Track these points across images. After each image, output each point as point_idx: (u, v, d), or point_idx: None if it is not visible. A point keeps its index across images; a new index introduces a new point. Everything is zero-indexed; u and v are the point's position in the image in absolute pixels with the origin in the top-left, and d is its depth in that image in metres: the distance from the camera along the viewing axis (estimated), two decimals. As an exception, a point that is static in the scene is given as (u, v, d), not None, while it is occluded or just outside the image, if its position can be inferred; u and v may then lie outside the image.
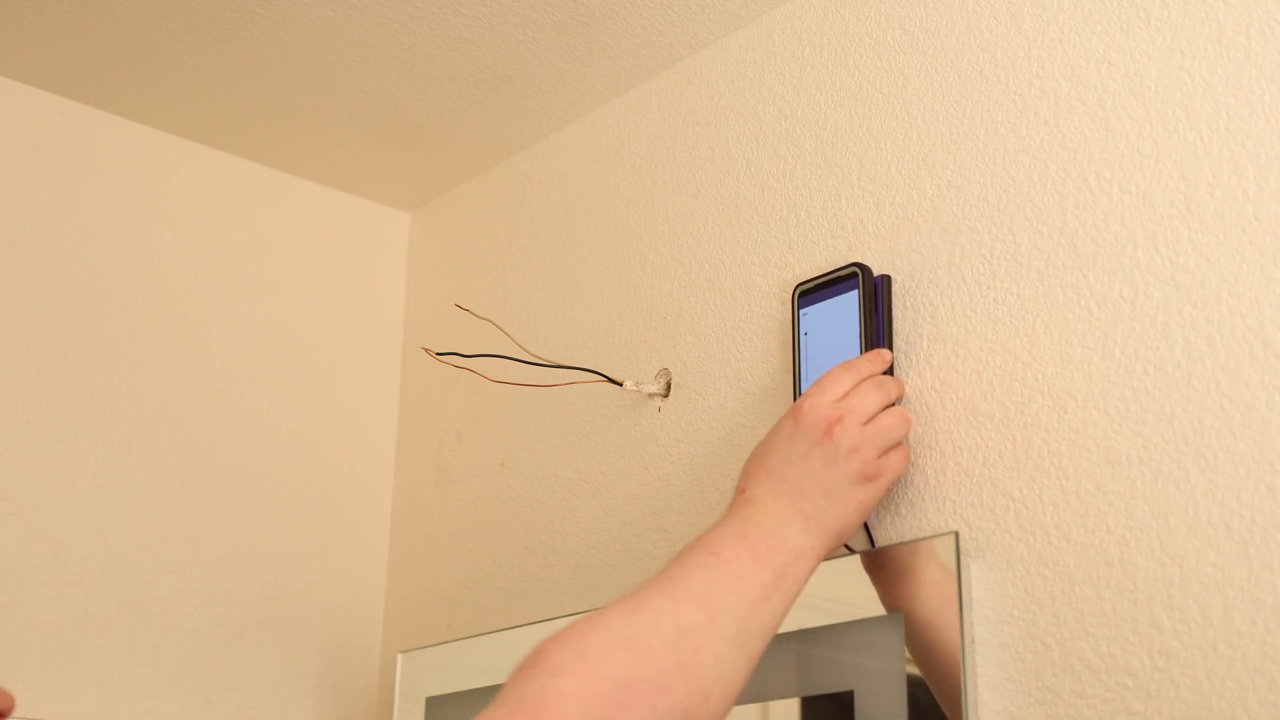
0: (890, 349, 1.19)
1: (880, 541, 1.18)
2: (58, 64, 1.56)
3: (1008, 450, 1.11)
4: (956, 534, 1.12)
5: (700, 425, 1.38)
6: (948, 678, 1.09)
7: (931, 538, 1.13)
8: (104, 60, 1.55)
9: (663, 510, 1.40)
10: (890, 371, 1.18)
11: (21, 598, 1.48)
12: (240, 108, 1.65)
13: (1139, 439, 1.04)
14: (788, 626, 1.16)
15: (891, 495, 1.18)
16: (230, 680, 1.59)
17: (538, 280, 1.64)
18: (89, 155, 1.64)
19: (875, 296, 1.21)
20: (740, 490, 1.08)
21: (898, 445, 1.13)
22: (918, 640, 1.11)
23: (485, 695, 0.92)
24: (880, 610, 1.15)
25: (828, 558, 1.08)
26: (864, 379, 1.13)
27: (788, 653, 1.18)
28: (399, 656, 1.59)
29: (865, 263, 1.25)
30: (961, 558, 1.11)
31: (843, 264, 1.24)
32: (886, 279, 1.22)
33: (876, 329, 1.20)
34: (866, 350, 1.18)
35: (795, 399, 1.22)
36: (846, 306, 1.22)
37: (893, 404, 1.14)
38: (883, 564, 1.16)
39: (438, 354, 1.38)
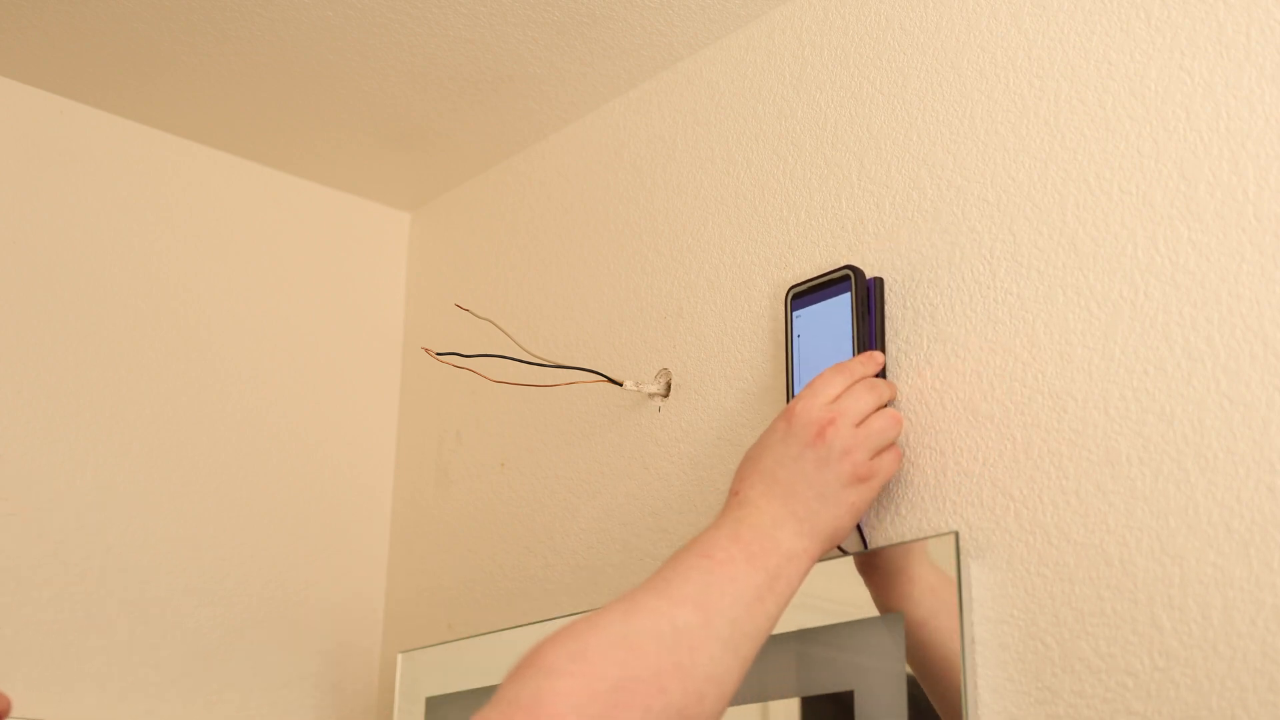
0: (883, 351, 1.20)
1: (880, 541, 1.18)
2: (58, 64, 1.56)
3: (1008, 450, 1.11)
4: (956, 534, 1.12)
5: (700, 425, 1.38)
6: (942, 679, 1.09)
7: (931, 538, 1.13)
8: (104, 60, 1.55)
9: (663, 510, 1.40)
10: (883, 373, 1.18)
11: (21, 598, 1.48)
12: (240, 108, 1.65)
13: (1139, 439, 1.04)
14: (788, 626, 1.16)
15: (891, 495, 1.18)
16: (230, 680, 1.59)
17: (538, 280, 1.64)
18: (89, 155, 1.64)
19: (868, 299, 1.21)
20: (733, 493, 1.09)
21: (890, 447, 1.13)
22: (911, 641, 1.11)
23: (485, 695, 0.93)
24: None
25: (821, 559, 1.08)
26: (856, 381, 1.13)
27: (788, 653, 1.19)
28: (399, 656, 1.59)
29: (866, 263, 1.25)
30: (961, 558, 1.11)
31: (837, 265, 1.24)
32: (879, 281, 1.22)
33: (869, 331, 1.20)
34: (859, 352, 1.18)
35: (788, 401, 1.22)
36: (839, 309, 1.22)
37: (885, 406, 1.14)
38: (876, 565, 1.16)
39: (438, 354, 1.38)
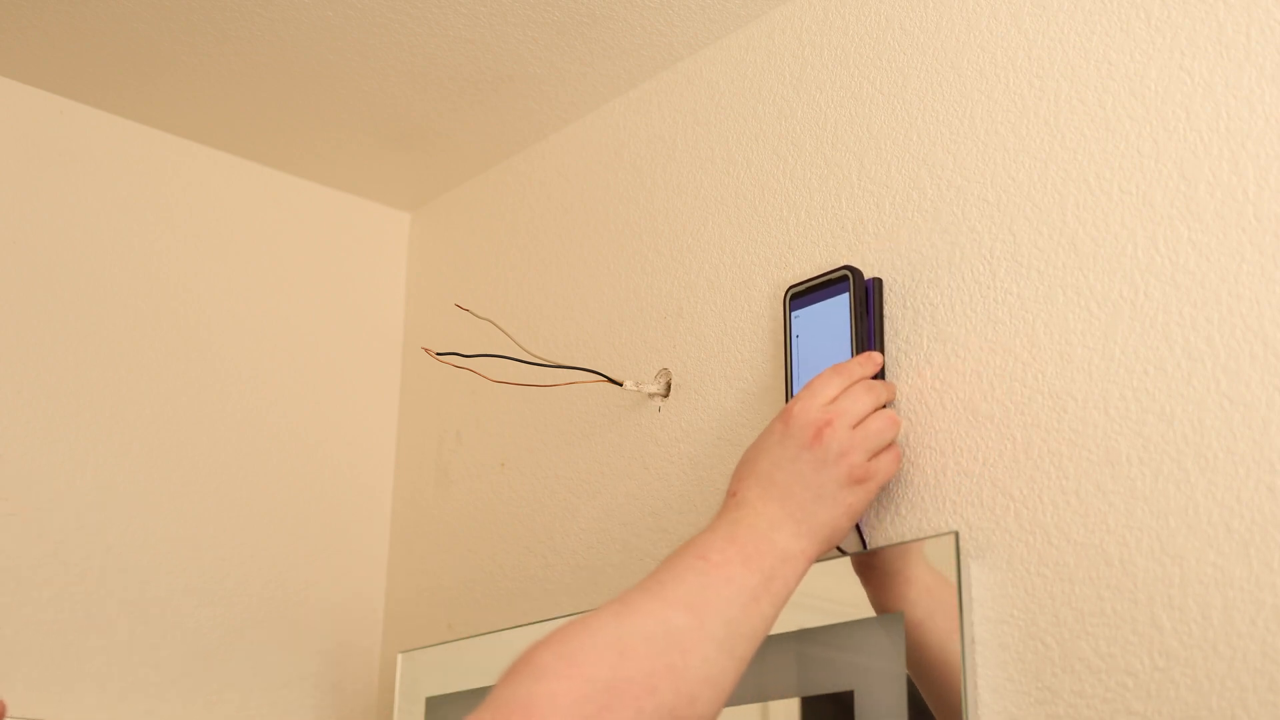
0: (881, 351, 1.19)
1: (880, 541, 1.18)
2: (58, 64, 1.56)
3: (1008, 450, 1.11)
4: (956, 534, 1.12)
5: (700, 425, 1.38)
6: (940, 680, 1.09)
7: (931, 538, 1.13)
8: (104, 60, 1.55)
9: (663, 510, 1.40)
10: (881, 374, 1.18)
11: (21, 598, 1.48)
12: (240, 108, 1.65)
13: (1139, 439, 1.04)
14: (787, 627, 1.16)
15: (891, 495, 1.18)
16: (230, 680, 1.59)
17: (538, 280, 1.64)
18: (89, 155, 1.64)
19: (866, 299, 1.21)
20: (731, 494, 1.09)
21: (888, 448, 1.13)
22: (909, 642, 1.11)
23: (485, 695, 0.93)
24: (880, 610, 1.15)
25: (819, 560, 1.08)
26: (854, 382, 1.13)
27: (788, 653, 1.19)
28: (399, 656, 1.59)
29: (866, 263, 1.25)
30: (961, 558, 1.11)
31: (837, 265, 1.24)
32: (878, 281, 1.22)
33: (867, 331, 1.20)
34: (857, 353, 1.18)
35: (786, 402, 1.22)
36: (837, 309, 1.22)
37: (883, 407, 1.14)
38: (874, 566, 1.16)
39: (438, 354, 1.38)
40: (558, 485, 1.53)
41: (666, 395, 1.43)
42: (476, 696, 0.93)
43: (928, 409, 1.17)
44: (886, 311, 1.23)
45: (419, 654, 1.58)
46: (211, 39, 1.51)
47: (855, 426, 1.10)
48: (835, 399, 1.11)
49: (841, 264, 1.25)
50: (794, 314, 1.26)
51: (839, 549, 1.18)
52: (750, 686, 1.19)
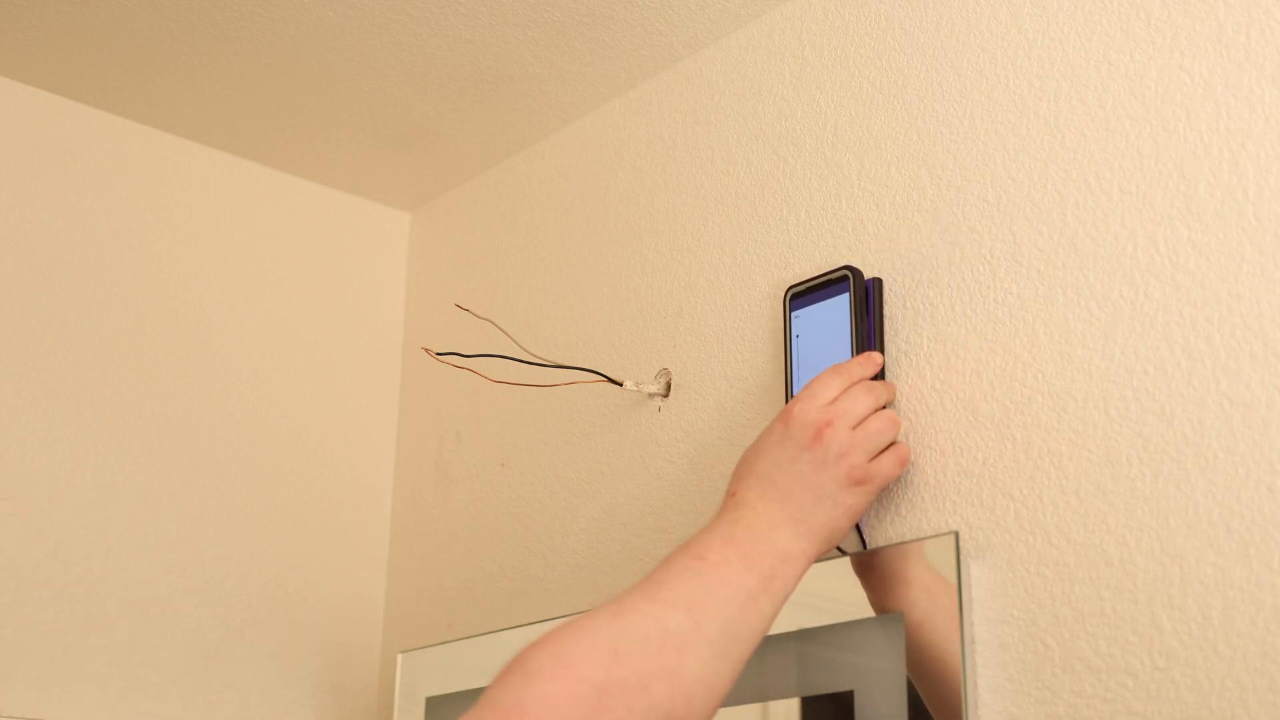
0: (881, 352, 1.19)
1: (880, 541, 1.18)
2: (58, 64, 1.56)
3: (1008, 450, 1.11)
4: (956, 534, 1.12)
5: (700, 425, 1.38)
6: (939, 680, 1.09)
7: (931, 538, 1.13)
8: (104, 60, 1.55)
9: (663, 510, 1.40)
10: (881, 374, 1.18)
11: (21, 598, 1.48)
12: (240, 108, 1.65)
13: (1139, 439, 1.04)
14: (787, 627, 1.16)
15: (891, 495, 1.18)
16: (230, 680, 1.59)
17: (538, 280, 1.64)
18: (89, 155, 1.64)
19: (866, 299, 1.21)
20: (730, 494, 1.09)
21: (890, 449, 1.13)
22: (909, 642, 1.11)
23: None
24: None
25: (818, 560, 1.08)
26: (854, 383, 1.13)
27: (788, 653, 1.18)
28: (399, 656, 1.59)
29: (866, 263, 1.25)
30: (961, 558, 1.11)
31: (837, 265, 1.24)
32: (878, 282, 1.22)
33: (868, 332, 1.20)
34: (857, 353, 1.18)
35: (786, 402, 1.22)
36: (837, 309, 1.22)
37: (883, 407, 1.14)
38: (874, 566, 1.16)
39: (438, 354, 1.38)
40: (558, 485, 1.53)
41: (666, 395, 1.43)
42: (476, 696, 0.93)
43: (928, 409, 1.17)
44: (886, 311, 1.23)
45: (419, 654, 1.58)
46: (211, 39, 1.51)
47: (855, 427, 1.10)
48: (835, 399, 1.11)
49: (841, 264, 1.25)
50: (794, 314, 1.26)
51: (839, 549, 1.18)
52: (750, 686, 1.19)
